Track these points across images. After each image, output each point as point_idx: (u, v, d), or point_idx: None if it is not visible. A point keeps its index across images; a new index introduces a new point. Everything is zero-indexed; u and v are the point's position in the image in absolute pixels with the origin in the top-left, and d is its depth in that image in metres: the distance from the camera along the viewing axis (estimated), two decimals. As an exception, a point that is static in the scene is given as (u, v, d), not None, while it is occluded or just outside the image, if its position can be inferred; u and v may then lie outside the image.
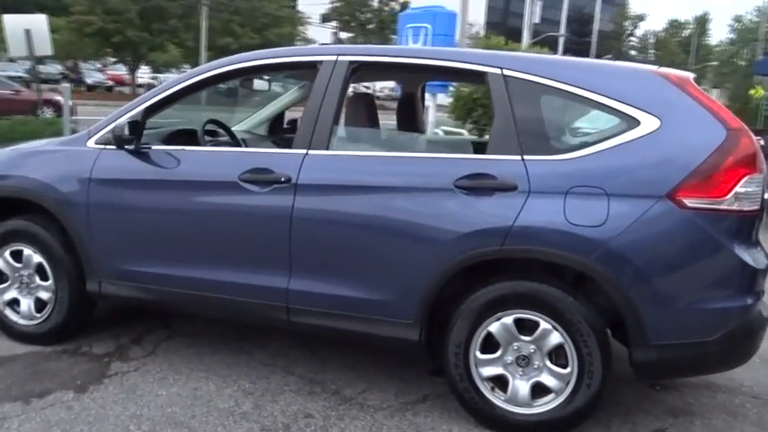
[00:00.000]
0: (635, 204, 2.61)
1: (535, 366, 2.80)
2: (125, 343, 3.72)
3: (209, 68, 3.38)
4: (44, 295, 3.57)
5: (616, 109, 2.73)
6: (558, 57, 3.26)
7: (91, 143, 3.44)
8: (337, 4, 48.77)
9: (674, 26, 65.99)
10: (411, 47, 3.49)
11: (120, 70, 39.65)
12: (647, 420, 3.07)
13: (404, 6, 47.93)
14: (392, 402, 3.15)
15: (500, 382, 2.87)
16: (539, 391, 2.81)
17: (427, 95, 13.48)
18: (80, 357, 3.52)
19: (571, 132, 3.04)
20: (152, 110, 3.38)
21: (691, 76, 2.82)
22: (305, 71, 3.66)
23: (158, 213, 3.27)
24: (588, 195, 2.64)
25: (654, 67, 2.85)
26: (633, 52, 62.12)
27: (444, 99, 16.17)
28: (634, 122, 2.69)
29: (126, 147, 3.23)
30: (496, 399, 2.86)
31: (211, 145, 3.72)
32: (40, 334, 3.59)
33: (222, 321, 4.03)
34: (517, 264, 2.81)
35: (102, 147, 3.39)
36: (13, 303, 3.64)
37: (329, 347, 3.72)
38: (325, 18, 51.94)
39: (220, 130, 3.95)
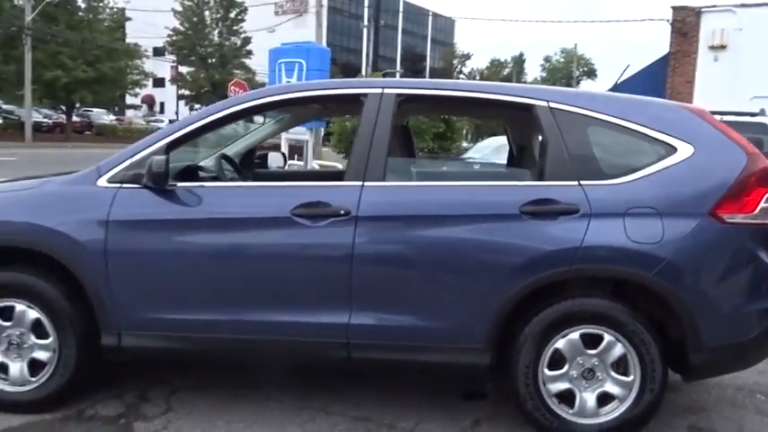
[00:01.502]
0: (685, 222, 2.90)
1: (599, 377, 2.97)
2: (132, 401, 3.36)
3: (241, 101, 3.25)
4: (42, 355, 3.14)
5: (655, 138, 3.03)
6: (597, 91, 3.53)
7: (102, 182, 3.12)
8: (175, 38, 47.29)
9: (496, 65, 71.82)
10: (456, 81, 3.58)
11: None
12: (675, 420, 3.36)
13: (245, 41, 47.66)
14: (453, 428, 3.16)
15: (564, 396, 3.00)
16: (603, 399, 2.99)
17: (303, 129, 13.49)
18: (91, 422, 3.14)
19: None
20: (173, 145, 3.16)
21: (703, 108, 3.22)
22: (346, 104, 3.61)
23: (197, 254, 3.05)
24: (644, 216, 2.90)
25: (675, 102, 3.20)
26: (462, 88, 66.60)
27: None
28: (672, 149, 3.00)
29: (163, 185, 2.98)
30: (564, 413, 2.99)
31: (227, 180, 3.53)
32: (36, 400, 3.15)
33: (224, 369, 3.82)
34: (581, 282, 2.99)
35: (119, 185, 3.10)
36: (-1, 369, 3.17)
37: (351, 381, 3.65)
38: (157, 51, 50.16)
39: (228, 166, 3.75)
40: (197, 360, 3.64)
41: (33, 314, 3.12)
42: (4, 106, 40.16)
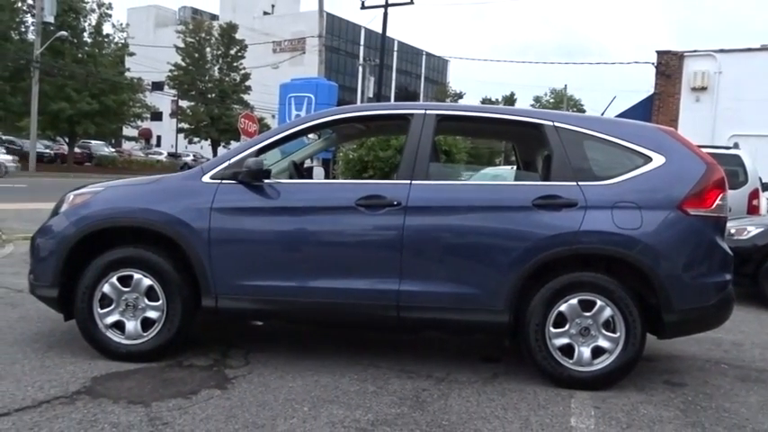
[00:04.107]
0: (658, 214, 3.80)
1: (593, 334, 3.82)
2: (217, 357, 4.17)
3: (312, 119, 4.16)
4: (153, 315, 3.95)
5: (636, 150, 3.94)
6: (592, 115, 4.46)
7: (206, 178, 3.99)
8: (176, 73, 48.63)
9: (487, 104, 73.61)
10: (481, 105, 4.54)
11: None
12: (654, 376, 4.19)
13: (245, 77, 49.06)
14: (476, 378, 3.98)
15: (566, 350, 3.84)
16: (596, 352, 3.83)
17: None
18: (191, 369, 3.93)
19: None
20: (263, 150, 4.05)
21: (673, 129, 4.14)
22: (395, 122, 4.52)
23: (280, 234, 3.91)
24: (627, 208, 3.79)
25: (651, 124, 4.13)
26: (454, 126, 67.75)
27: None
28: (648, 159, 3.92)
29: (260, 180, 3.86)
30: (566, 362, 3.83)
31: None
32: (148, 351, 3.94)
33: (283, 339, 4.66)
34: (579, 259, 3.86)
35: (220, 181, 3.97)
36: (115, 326, 3.97)
37: (392, 343, 4.50)
38: (156, 86, 51.36)
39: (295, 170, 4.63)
40: (277, 319, 4.47)
41: (147, 282, 3.94)
42: (4, 137, 40.90)
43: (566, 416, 3.45)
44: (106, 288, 3.94)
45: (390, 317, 3.89)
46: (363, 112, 4.26)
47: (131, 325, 3.96)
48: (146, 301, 3.96)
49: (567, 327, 3.83)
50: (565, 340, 3.84)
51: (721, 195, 3.91)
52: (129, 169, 39.88)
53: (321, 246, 3.91)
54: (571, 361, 3.83)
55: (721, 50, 17.88)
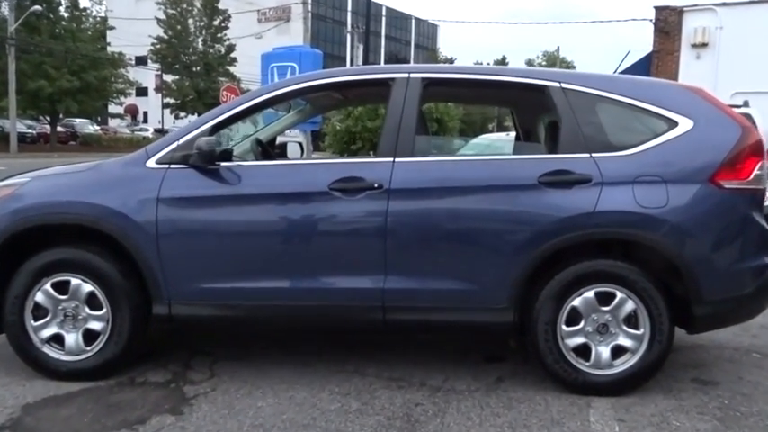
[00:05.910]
0: (687, 188, 3.21)
1: (612, 332, 3.26)
2: (177, 369, 3.60)
3: (280, 86, 3.51)
4: (96, 326, 3.37)
5: (658, 113, 3.33)
6: (605, 74, 3.83)
7: (151, 163, 3.37)
8: (159, 46, 47.32)
9: (478, 68, 72.14)
10: (474, 66, 3.89)
11: None
12: (680, 374, 3.65)
13: (230, 49, 47.80)
14: (478, 386, 3.43)
15: (581, 350, 3.28)
16: (617, 352, 3.27)
17: (297, 132, 13.81)
18: (143, 387, 3.37)
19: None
20: (217, 128, 3.42)
21: (702, 86, 3.53)
22: (374, 89, 3.87)
23: (240, 226, 3.30)
24: (651, 183, 3.20)
25: (674, 82, 3.51)
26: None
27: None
28: (674, 124, 3.31)
29: (215, 163, 3.24)
30: (581, 365, 3.27)
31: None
32: (92, 368, 3.38)
33: (258, 341, 4.09)
34: (595, 244, 3.28)
35: (167, 166, 3.35)
36: (53, 340, 3.39)
37: (381, 347, 3.94)
38: (140, 60, 50.17)
39: (260, 149, 4.01)
40: (242, 326, 3.91)
41: (87, 287, 3.34)
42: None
43: (585, 434, 2.90)
44: (39, 297, 3.34)
45: (375, 319, 3.31)
46: (337, 78, 3.61)
47: (71, 338, 3.37)
48: (87, 309, 3.37)
49: (581, 324, 3.26)
50: (580, 340, 3.27)
51: (760, 164, 3.31)
52: (114, 147, 38.78)
53: (288, 239, 3.31)
54: (587, 363, 3.27)
55: (723, 4, 17.11)
